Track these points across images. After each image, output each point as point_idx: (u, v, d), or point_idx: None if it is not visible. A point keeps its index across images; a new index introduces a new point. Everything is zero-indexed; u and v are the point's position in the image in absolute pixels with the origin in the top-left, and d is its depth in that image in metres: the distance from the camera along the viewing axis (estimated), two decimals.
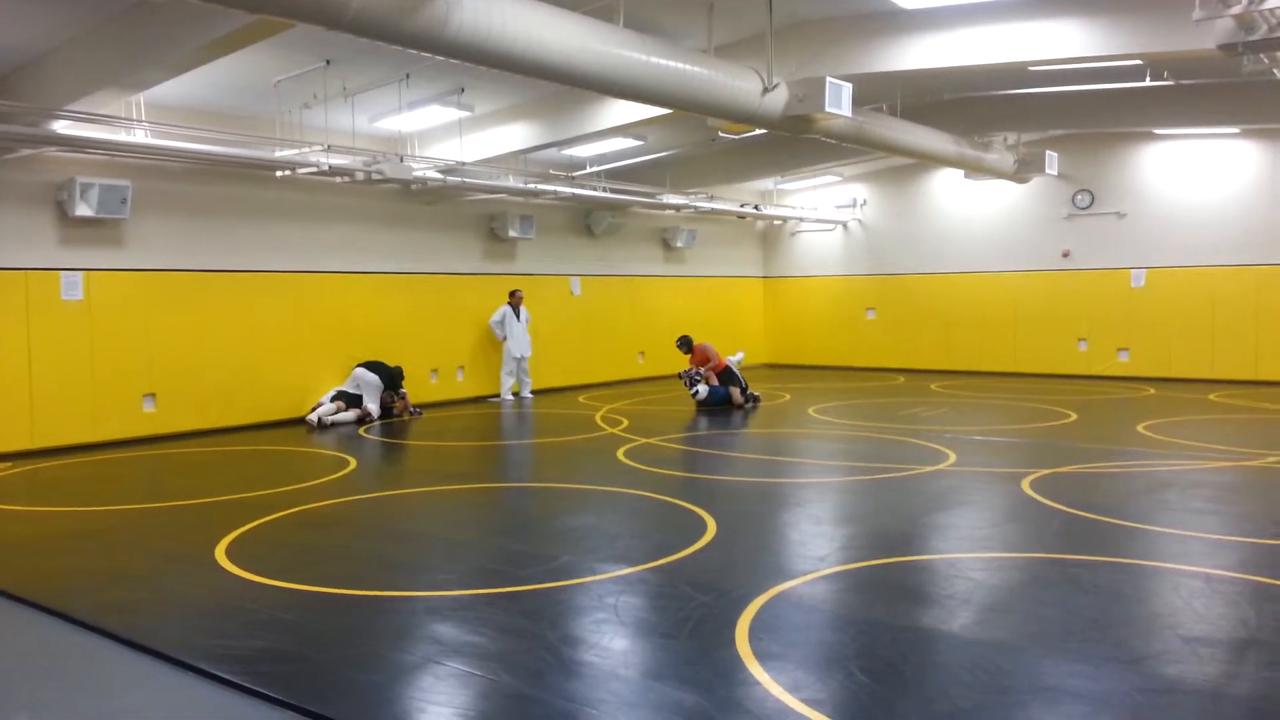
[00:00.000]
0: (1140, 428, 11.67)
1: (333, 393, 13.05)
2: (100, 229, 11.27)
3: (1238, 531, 6.77)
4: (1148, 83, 11.42)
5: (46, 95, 9.46)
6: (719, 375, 14.27)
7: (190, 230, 12.08)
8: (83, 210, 10.73)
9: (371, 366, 13.36)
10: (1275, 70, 9.00)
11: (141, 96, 10.41)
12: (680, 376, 14.37)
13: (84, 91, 9.19)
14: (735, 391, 14.04)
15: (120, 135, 10.53)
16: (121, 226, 11.43)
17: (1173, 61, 10.83)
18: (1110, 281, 17.62)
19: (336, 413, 12.76)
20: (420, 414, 13.71)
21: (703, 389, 14.02)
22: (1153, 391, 15.63)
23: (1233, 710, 3.91)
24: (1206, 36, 8.36)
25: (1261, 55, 8.34)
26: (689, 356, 14.56)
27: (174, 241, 11.93)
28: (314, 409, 12.78)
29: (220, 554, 6.43)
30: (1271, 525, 6.90)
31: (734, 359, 14.82)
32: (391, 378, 13.45)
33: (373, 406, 13.04)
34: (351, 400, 12.99)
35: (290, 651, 4.70)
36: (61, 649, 4.89)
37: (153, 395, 11.70)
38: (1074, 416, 12.79)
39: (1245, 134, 16.04)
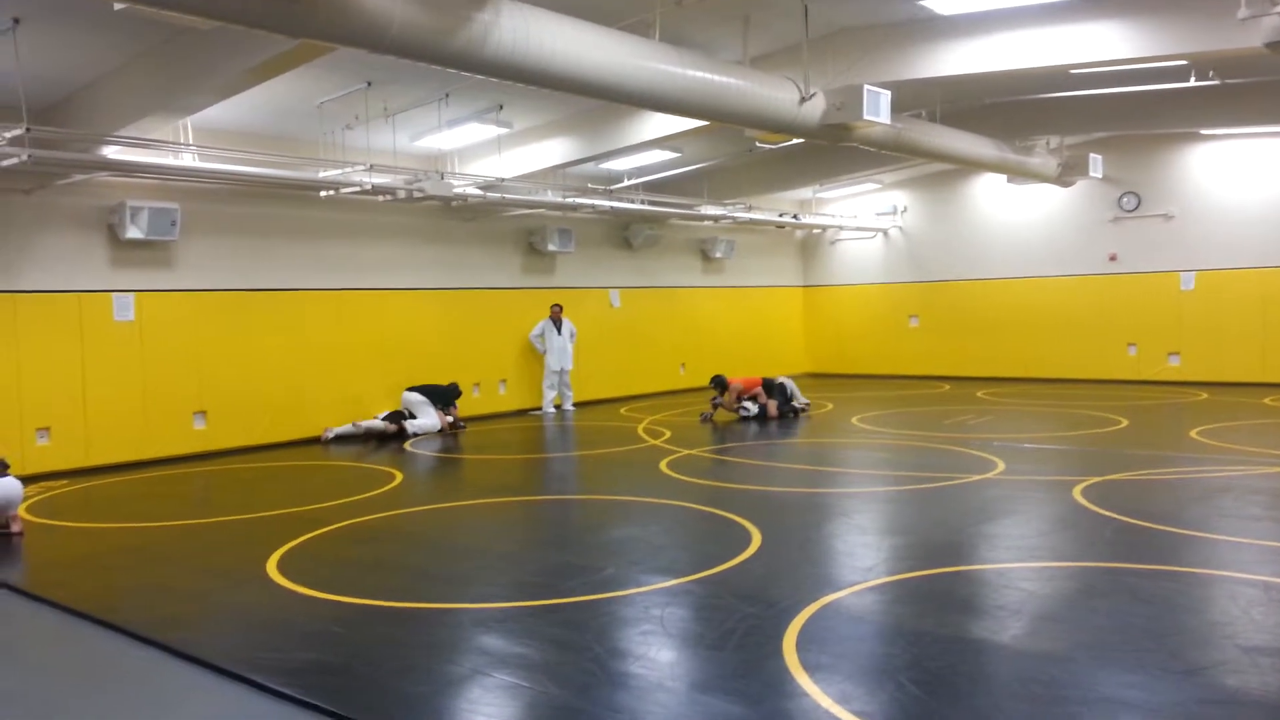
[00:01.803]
0: (1193, 433, 11.44)
1: (384, 414, 13.23)
2: (150, 251, 11.51)
3: None
4: (1193, 83, 11.24)
5: (97, 121, 9.70)
6: (764, 388, 14.26)
7: (237, 251, 12.31)
8: (133, 233, 10.98)
9: (417, 388, 13.57)
10: None
11: (189, 121, 10.64)
12: (737, 410, 14.18)
13: (133, 117, 9.41)
14: (772, 405, 14.02)
15: (169, 159, 10.76)
16: (171, 248, 11.68)
17: (1218, 61, 10.64)
18: (1159, 285, 17.32)
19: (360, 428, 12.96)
20: (464, 428, 13.78)
21: (751, 406, 13.98)
22: (1205, 396, 15.32)
23: None
24: (1253, 35, 8.21)
25: None
26: (719, 391, 14.42)
27: (222, 262, 12.16)
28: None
29: (271, 568, 6.52)
30: None
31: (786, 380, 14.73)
32: (438, 395, 13.57)
33: (420, 422, 13.14)
34: (398, 419, 13.16)
35: (340, 663, 4.75)
36: (116, 662, 4.99)
37: (203, 413, 11.91)
38: (1125, 423, 12.58)
39: None
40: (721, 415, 14.23)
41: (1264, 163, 16.24)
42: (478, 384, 15.15)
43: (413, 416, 13.26)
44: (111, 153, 10.10)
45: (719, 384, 14.41)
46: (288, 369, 12.68)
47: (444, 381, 13.88)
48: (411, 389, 13.53)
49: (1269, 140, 16.10)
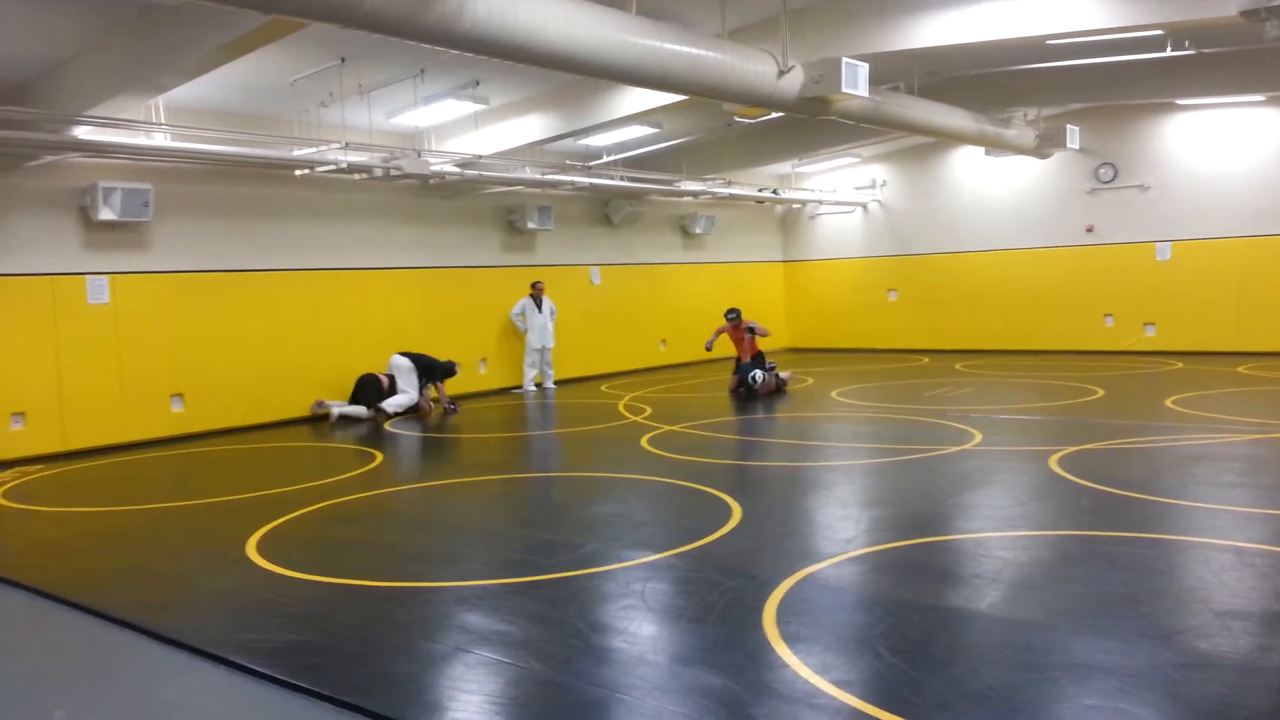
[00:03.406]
0: (1169, 402, 11.56)
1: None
2: (124, 232, 11.38)
3: (1269, 504, 6.71)
4: (1169, 53, 11.26)
5: (67, 101, 9.55)
6: (754, 358, 14.24)
7: (212, 231, 12.19)
8: (106, 214, 10.84)
9: (409, 354, 13.27)
10: None
11: (161, 100, 10.49)
12: (752, 371, 14.06)
13: (104, 96, 9.27)
14: (770, 379, 13.98)
15: (141, 139, 10.63)
16: (145, 229, 11.55)
17: (1194, 30, 10.66)
18: (1135, 255, 17.42)
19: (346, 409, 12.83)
20: (455, 409, 13.47)
21: (761, 375, 13.88)
22: (1181, 365, 15.46)
23: (1266, 683, 3.88)
24: (1228, 3, 8.24)
25: None
26: (736, 322, 14.48)
27: (197, 243, 12.04)
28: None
29: (251, 549, 6.50)
30: None
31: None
32: (428, 367, 13.31)
33: (398, 400, 12.96)
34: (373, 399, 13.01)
35: (322, 643, 4.75)
36: (96, 646, 4.97)
37: (180, 395, 11.83)
38: (1101, 393, 12.68)
39: (1271, 101, 15.78)
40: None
41: (1239, 133, 16.32)
42: (458, 363, 15.09)
43: (392, 385, 13.06)
44: (82, 133, 9.95)
45: (737, 314, 14.54)
46: (265, 351, 12.59)
47: (442, 357, 13.60)
48: (403, 354, 13.29)
49: (1245, 110, 16.17)
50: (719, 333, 14.63)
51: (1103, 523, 6.37)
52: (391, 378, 13.12)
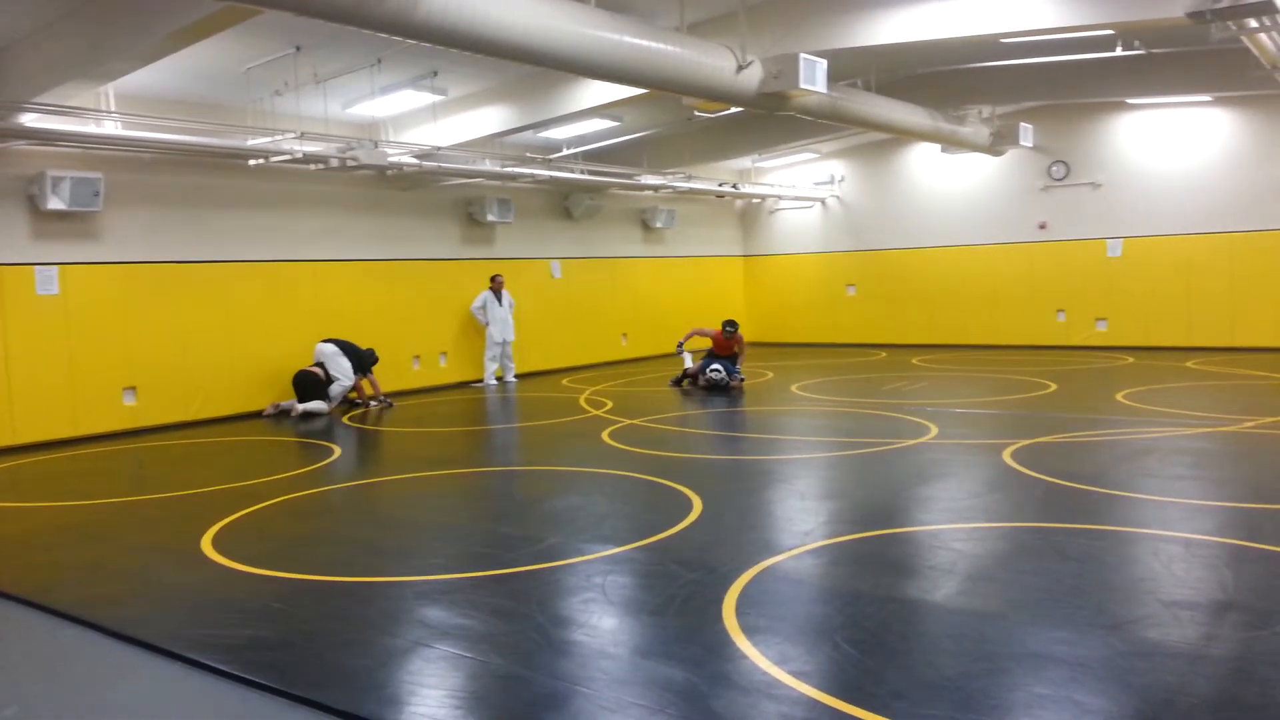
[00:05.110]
0: (1119, 396, 11.78)
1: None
2: (73, 222, 11.15)
3: (1216, 496, 6.87)
4: (1119, 53, 11.46)
5: (13, 88, 9.33)
6: (730, 358, 14.20)
7: (165, 221, 11.98)
8: (55, 204, 10.61)
9: (334, 340, 13.04)
10: (1243, 37, 9.06)
11: (111, 87, 10.30)
12: (721, 370, 14.03)
13: (52, 83, 9.07)
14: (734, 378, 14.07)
15: (90, 127, 10.41)
16: (95, 219, 11.32)
17: (1143, 31, 10.86)
18: (1087, 252, 17.74)
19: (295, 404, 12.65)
20: (391, 405, 13.33)
21: (721, 371, 13.88)
22: (1131, 360, 15.77)
23: (1212, 671, 3.98)
24: (1175, 5, 8.41)
25: (1229, 22, 8.39)
26: (731, 339, 14.40)
27: (149, 233, 11.82)
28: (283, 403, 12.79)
29: (206, 545, 6.41)
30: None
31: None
32: (356, 353, 13.09)
33: (338, 386, 12.74)
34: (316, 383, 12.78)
35: (279, 639, 4.71)
36: (50, 643, 4.88)
37: (133, 388, 11.62)
38: (1054, 387, 12.90)
39: (1217, 102, 16.13)
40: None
41: (1188, 132, 16.66)
42: (418, 356, 15.00)
43: (328, 375, 12.80)
44: (29, 120, 9.74)
45: (735, 327, 14.38)
46: (220, 343, 12.41)
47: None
48: (327, 340, 13.05)
49: (1192, 110, 16.51)
50: (700, 335, 14.60)
51: (1055, 515, 6.48)
52: (322, 365, 12.90)
